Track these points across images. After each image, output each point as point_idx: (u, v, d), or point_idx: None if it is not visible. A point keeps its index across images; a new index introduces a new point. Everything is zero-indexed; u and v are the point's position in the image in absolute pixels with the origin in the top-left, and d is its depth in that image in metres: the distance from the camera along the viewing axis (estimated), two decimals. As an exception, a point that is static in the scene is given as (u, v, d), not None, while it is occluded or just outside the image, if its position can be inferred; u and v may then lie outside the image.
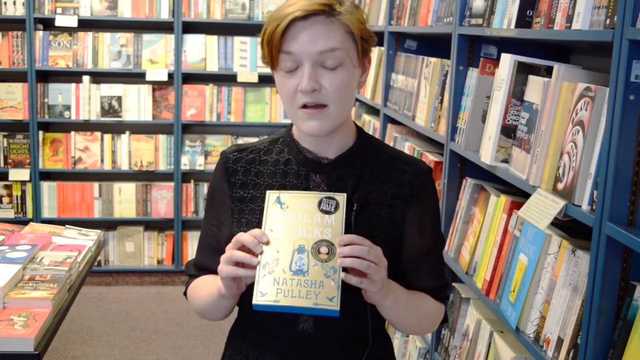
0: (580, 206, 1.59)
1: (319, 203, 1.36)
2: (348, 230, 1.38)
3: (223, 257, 1.37)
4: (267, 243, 1.34)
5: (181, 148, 5.05)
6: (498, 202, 2.14)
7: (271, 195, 1.38)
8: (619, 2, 1.43)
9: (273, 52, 1.39)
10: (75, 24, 4.80)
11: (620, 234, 1.41)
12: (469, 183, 2.42)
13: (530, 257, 1.85)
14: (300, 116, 1.42)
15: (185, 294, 1.65)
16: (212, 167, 5.11)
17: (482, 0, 2.23)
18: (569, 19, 1.67)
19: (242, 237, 1.35)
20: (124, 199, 5.05)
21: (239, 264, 1.36)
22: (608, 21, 1.51)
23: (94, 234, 2.94)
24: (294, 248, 1.33)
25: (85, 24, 4.90)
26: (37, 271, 2.35)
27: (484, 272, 2.14)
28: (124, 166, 5.02)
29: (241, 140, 5.14)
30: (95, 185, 5.02)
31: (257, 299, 1.31)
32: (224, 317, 1.57)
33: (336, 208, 1.35)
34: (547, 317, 1.74)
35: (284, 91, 1.43)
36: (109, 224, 5.10)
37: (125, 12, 4.89)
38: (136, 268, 5.13)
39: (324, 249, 1.32)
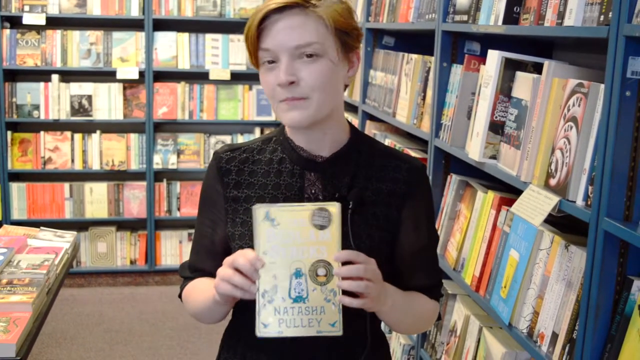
0: (574, 202, 1.60)
1: (312, 217, 1.30)
2: (345, 231, 1.36)
3: (221, 274, 1.35)
4: (263, 266, 1.30)
5: (153, 147, 4.99)
6: (485, 198, 2.15)
7: (259, 211, 1.30)
8: (615, -2, 1.44)
9: (251, 48, 1.39)
10: (43, 22, 4.70)
11: (618, 229, 1.42)
12: (454, 179, 2.42)
13: (522, 252, 1.85)
14: (281, 108, 1.41)
15: (180, 296, 1.63)
16: (184, 165, 5.07)
17: (467, -4, 2.24)
18: (560, 16, 1.68)
19: (238, 262, 1.32)
20: (96, 199, 4.97)
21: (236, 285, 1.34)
22: (602, 18, 1.51)
23: (69, 236, 2.88)
24: (291, 272, 1.30)
25: (54, 22, 4.80)
26: (15, 275, 2.30)
27: (473, 268, 2.15)
28: (95, 166, 4.94)
29: (214, 139, 5.10)
30: (66, 185, 4.93)
31: (261, 332, 1.29)
32: (220, 320, 1.56)
33: (330, 220, 1.30)
34: (541, 313, 1.75)
35: (265, 86, 1.42)
36: (80, 225, 5.01)
37: (95, 9, 4.80)
38: (109, 269, 5.06)
39: (321, 271, 1.29)
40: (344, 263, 1.30)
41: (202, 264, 1.56)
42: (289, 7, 1.36)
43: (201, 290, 1.52)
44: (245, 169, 1.52)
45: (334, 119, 1.47)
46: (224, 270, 1.34)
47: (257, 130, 5.16)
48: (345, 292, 1.30)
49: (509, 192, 2.12)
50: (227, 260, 1.35)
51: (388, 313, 1.43)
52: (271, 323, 1.29)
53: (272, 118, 5.14)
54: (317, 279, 1.29)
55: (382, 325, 1.61)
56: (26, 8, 4.72)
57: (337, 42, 1.40)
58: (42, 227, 2.93)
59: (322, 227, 1.30)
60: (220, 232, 1.52)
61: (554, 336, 1.68)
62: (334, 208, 1.29)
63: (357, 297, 1.31)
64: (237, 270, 1.33)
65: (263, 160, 1.51)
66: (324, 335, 1.29)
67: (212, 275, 1.49)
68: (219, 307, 1.47)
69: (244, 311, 1.52)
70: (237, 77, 5.09)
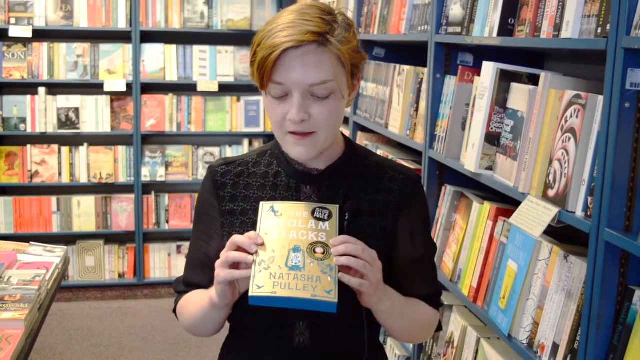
0: (574, 213, 1.61)
1: (313, 212, 1.36)
2: None
3: (218, 262, 1.35)
4: (262, 244, 1.32)
5: (141, 159, 4.97)
6: (482, 209, 2.15)
7: (265, 205, 1.38)
8: (613, 11, 1.45)
9: (264, 79, 1.37)
10: (29, 35, 4.67)
11: (619, 239, 1.43)
12: (448, 190, 2.43)
13: (520, 263, 1.86)
14: (288, 141, 1.41)
15: (174, 311, 1.62)
16: (173, 177, 5.05)
17: (461, 8, 2.25)
18: (557, 28, 1.69)
19: (237, 238, 1.34)
20: (83, 213, 4.93)
21: (234, 266, 1.34)
22: (599, 30, 1.53)
23: (59, 250, 2.86)
24: (290, 248, 1.32)
25: (40, 34, 4.77)
26: (6, 291, 2.27)
27: (470, 279, 2.15)
28: (82, 179, 4.91)
29: (202, 151, 5.08)
30: (53, 199, 4.89)
31: (254, 291, 1.27)
32: (216, 331, 1.54)
33: (329, 217, 1.35)
34: (541, 323, 1.75)
35: (272, 116, 1.42)
36: (68, 239, 4.97)
37: (82, 21, 4.78)
38: (97, 283, 5.02)
39: (319, 249, 1.31)
40: None
41: (197, 278, 1.55)
42: (306, 43, 1.34)
43: (196, 300, 1.51)
44: (240, 182, 1.52)
45: None
46: (221, 256, 1.35)
47: (246, 142, 5.15)
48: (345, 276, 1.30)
49: (504, 202, 2.13)
50: (226, 245, 1.36)
51: (387, 314, 1.43)
52: (265, 285, 1.27)
53: (260, 129, 5.13)
54: (315, 255, 1.30)
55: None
56: (12, 21, 4.69)
57: (348, 75, 1.40)
58: (31, 242, 2.90)
59: (322, 220, 1.35)
60: (216, 246, 1.51)
61: (555, 347, 1.69)
62: (334, 208, 1.37)
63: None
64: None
65: (258, 174, 1.52)
66: (319, 299, 1.26)
67: (207, 289, 1.49)
68: (214, 314, 1.46)
69: (242, 326, 1.52)
70: (225, 89, 5.08)
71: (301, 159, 1.44)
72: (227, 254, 1.34)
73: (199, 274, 1.54)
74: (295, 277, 1.28)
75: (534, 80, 1.94)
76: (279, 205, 1.37)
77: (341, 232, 1.36)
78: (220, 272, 1.34)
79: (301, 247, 1.31)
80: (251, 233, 1.34)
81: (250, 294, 1.27)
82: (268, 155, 1.54)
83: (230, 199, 1.51)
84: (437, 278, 1.61)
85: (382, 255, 1.46)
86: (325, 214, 1.35)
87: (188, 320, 1.55)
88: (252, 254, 1.31)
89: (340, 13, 1.43)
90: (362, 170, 1.50)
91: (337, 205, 1.37)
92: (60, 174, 4.89)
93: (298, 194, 1.47)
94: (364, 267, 1.30)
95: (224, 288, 1.36)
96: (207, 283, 1.48)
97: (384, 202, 1.48)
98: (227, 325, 1.57)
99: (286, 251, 1.31)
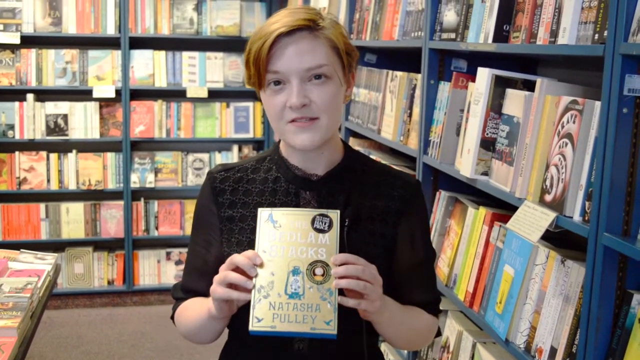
0: (571, 217, 1.62)
1: (312, 221, 1.34)
2: (342, 247, 1.36)
3: (216, 278, 1.35)
4: (262, 265, 1.31)
5: (130, 166, 4.95)
6: (477, 214, 2.16)
7: (263, 213, 1.36)
8: (610, 17, 1.47)
9: (260, 71, 1.37)
10: (17, 41, 4.65)
11: (618, 243, 1.44)
12: (443, 195, 2.44)
13: (517, 268, 1.87)
14: (290, 130, 1.40)
15: (172, 318, 1.61)
16: (162, 184, 5.03)
17: (455, 14, 2.26)
18: (553, 34, 1.70)
19: (236, 258, 1.33)
20: (72, 219, 4.91)
21: (232, 285, 1.33)
22: (597, 36, 1.54)
23: (50, 258, 2.84)
24: (289, 270, 1.31)
25: (29, 41, 4.74)
26: (-2, 299, 2.25)
27: (466, 284, 2.15)
28: (71, 186, 4.88)
29: (192, 157, 5.06)
30: (42, 206, 4.86)
31: (254, 325, 1.29)
32: (214, 339, 1.54)
33: (330, 226, 1.34)
34: (538, 328, 1.76)
35: (271, 108, 1.41)
36: (56, 246, 4.94)
37: (70, 28, 4.76)
38: (86, 290, 4.99)
39: (319, 271, 1.30)
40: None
41: (195, 284, 1.55)
42: (298, 29, 1.36)
43: (194, 308, 1.51)
44: (239, 189, 1.51)
45: (331, 138, 1.47)
46: (220, 273, 1.34)
47: (235, 148, 5.14)
48: (344, 298, 1.30)
49: (499, 207, 2.14)
50: (225, 263, 1.35)
51: (386, 325, 1.43)
52: (265, 317, 1.28)
53: (249, 135, 5.12)
54: (314, 277, 1.30)
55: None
56: (0, 27, 4.66)
57: (342, 63, 1.41)
58: (22, 250, 2.88)
59: (322, 231, 1.33)
60: (215, 252, 1.51)
61: (553, 351, 1.69)
62: (334, 215, 1.35)
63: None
64: (235, 270, 1.33)
65: (258, 179, 1.51)
66: (318, 332, 1.27)
67: (205, 295, 1.48)
68: (213, 324, 1.46)
69: (241, 332, 1.51)
70: (215, 95, 5.08)
71: (305, 147, 1.42)
72: (226, 274, 1.32)
73: (197, 281, 1.54)
74: (294, 307, 1.28)
75: (528, 85, 1.96)
76: (278, 213, 1.35)
77: (341, 240, 1.35)
78: (218, 289, 1.34)
79: (300, 269, 1.30)
80: (250, 253, 1.33)
81: (250, 327, 1.29)
82: (267, 161, 1.53)
83: (229, 205, 1.50)
84: (436, 284, 1.61)
85: (382, 261, 1.47)
86: (325, 224, 1.33)
87: (186, 327, 1.55)
88: (251, 278, 1.31)
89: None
90: (362, 176, 1.50)
91: (338, 211, 1.35)
92: (48, 180, 4.85)
93: (297, 200, 1.47)
94: (365, 288, 1.30)
95: (221, 304, 1.36)
96: (206, 289, 1.47)
97: (384, 208, 1.48)
98: (226, 331, 1.56)
99: (285, 274, 1.30)
